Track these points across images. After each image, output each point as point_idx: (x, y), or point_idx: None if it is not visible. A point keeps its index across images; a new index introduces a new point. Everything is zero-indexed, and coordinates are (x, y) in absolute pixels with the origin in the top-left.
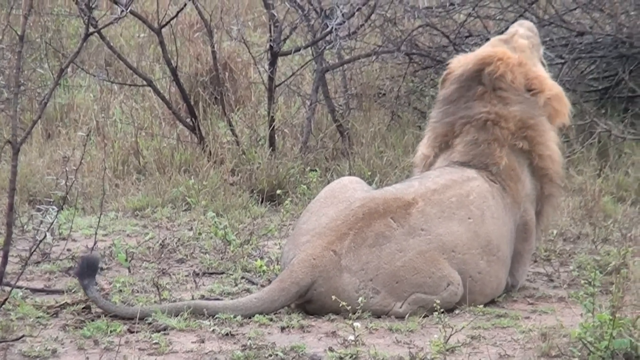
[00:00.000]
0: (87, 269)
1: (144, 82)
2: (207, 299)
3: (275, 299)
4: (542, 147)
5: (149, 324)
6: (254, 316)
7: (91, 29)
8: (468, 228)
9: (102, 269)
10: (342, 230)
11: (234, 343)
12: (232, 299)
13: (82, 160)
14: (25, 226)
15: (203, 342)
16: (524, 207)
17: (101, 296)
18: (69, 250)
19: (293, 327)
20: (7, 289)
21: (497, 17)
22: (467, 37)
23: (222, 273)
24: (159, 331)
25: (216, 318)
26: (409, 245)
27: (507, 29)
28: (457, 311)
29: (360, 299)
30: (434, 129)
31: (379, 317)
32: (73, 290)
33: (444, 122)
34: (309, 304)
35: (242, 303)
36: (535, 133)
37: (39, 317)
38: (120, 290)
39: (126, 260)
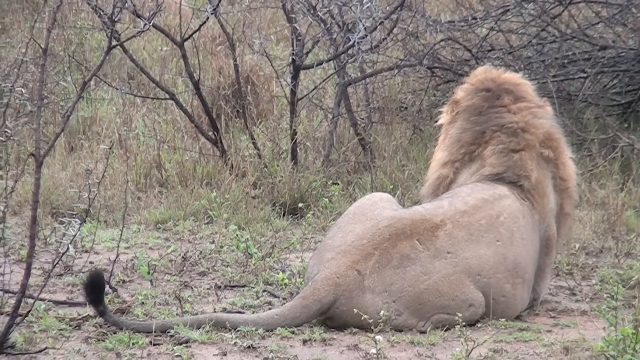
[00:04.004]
0: (95, 291)
1: (167, 96)
2: (229, 312)
3: (296, 315)
4: (564, 157)
5: (171, 336)
6: (275, 329)
7: (114, 42)
8: (496, 251)
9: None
10: (368, 250)
11: (256, 356)
12: (254, 312)
13: (104, 173)
14: (48, 239)
15: (225, 354)
16: (548, 222)
17: (119, 318)
18: (91, 262)
19: (315, 340)
20: (30, 301)
21: (520, 31)
22: (489, 50)
23: (244, 286)
24: (181, 344)
25: (238, 331)
26: (434, 268)
27: (529, 42)
28: (479, 325)
29: (382, 312)
30: (459, 139)
31: (400, 330)
32: None
33: (474, 130)
34: (330, 320)
35: (262, 319)
36: (557, 145)
37: (61, 330)
38: (143, 303)
39: (148, 273)
